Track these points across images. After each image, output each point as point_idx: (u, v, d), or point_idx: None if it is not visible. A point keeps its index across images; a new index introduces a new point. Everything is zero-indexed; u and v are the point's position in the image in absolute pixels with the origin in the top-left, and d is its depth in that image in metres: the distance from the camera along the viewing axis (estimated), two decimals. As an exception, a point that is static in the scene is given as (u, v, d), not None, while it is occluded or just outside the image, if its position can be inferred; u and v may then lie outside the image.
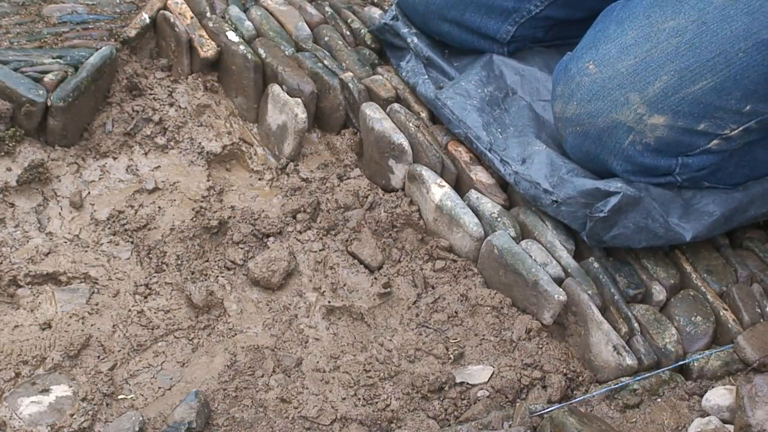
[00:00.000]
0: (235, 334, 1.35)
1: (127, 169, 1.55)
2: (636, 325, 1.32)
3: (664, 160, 1.33)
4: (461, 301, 1.40)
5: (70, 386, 1.25)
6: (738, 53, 1.24)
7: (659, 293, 1.37)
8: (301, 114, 1.55)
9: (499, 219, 1.43)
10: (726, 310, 1.35)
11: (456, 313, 1.39)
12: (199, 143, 1.59)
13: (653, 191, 1.34)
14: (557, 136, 1.43)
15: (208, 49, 1.63)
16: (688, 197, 1.37)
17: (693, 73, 1.27)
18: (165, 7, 1.69)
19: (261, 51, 1.63)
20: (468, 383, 1.31)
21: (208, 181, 1.56)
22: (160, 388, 1.27)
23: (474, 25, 1.58)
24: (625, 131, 1.31)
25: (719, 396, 1.24)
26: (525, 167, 1.41)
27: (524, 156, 1.43)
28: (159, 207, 1.50)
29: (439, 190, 1.45)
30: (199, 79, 1.66)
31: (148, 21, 1.67)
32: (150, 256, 1.43)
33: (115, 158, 1.56)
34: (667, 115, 1.29)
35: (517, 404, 1.25)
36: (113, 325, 1.33)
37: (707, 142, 1.32)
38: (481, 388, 1.29)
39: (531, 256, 1.36)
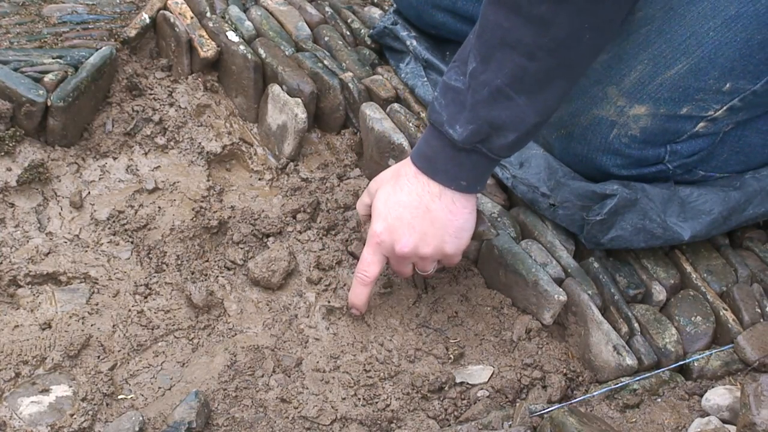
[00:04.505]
0: (235, 334, 1.35)
1: (127, 169, 1.55)
2: (636, 325, 1.32)
3: (653, 150, 1.33)
4: (461, 301, 1.40)
5: (70, 386, 1.25)
6: (708, 32, 1.24)
7: (659, 293, 1.37)
8: (301, 114, 1.55)
9: (499, 219, 1.43)
10: (726, 310, 1.35)
11: (456, 313, 1.39)
12: (199, 143, 1.59)
13: (650, 191, 1.34)
14: (546, 146, 1.43)
15: (208, 49, 1.63)
16: (685, 195, 1.37)
17: (666, 59, 1.27)
18: (165, 7, 1.69)
19: (261, 51, 1.63)
20: (468, 383, 1.31)
21: (208, 181, 1.56)
22: (160, 388, 1.27)
23: (467, 13, 1.58)
24: (608, 126, 1.31)
25: (719, 396, 1.24)
26: (522, 171, 1.41)
27: (521, 159, 1.43)
28: (159, 207, 1.50)
29: (439, 190, 1.45)
30: (199, 79, 1.66)
31: (148, 21, 1.67)
32: (150, 256, 1.43)
33: (115, 158, 1.56)
34: (648, 104, 1.29)
35: (517, 404, 1.25)
36: (113, 325, 1.33)
37: (693, 125, 1.31)
38: (481, 388, 1.29)
39: (531, 256, 1.36)
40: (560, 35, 1.08)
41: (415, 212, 1.24)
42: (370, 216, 1.32)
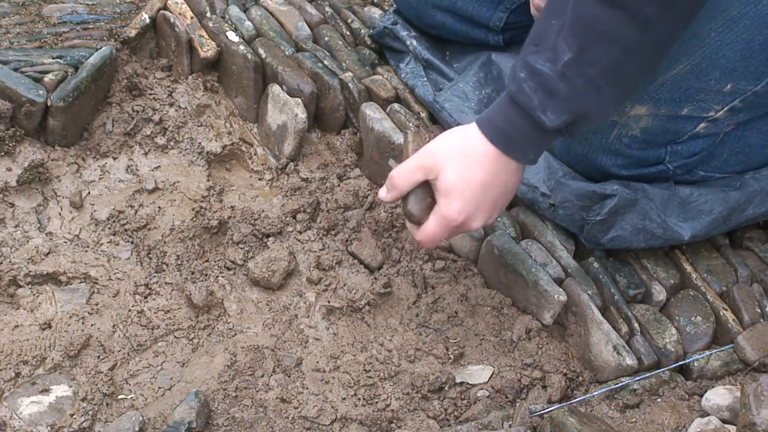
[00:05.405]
0: (235, 334, 1.35)
1: (127, 169, 1.55)
2: (636, 325, 1.32)
3: (653, 150, 1.33)
4: (461, 301, 1.40)
5: (70, 386, 1.25)
6: (709, 33, 1.24)
7: (659, 293, 1.37)
8: (301, 114, 1.55)
9: (499, 219, 1.43)
10: (726, 310, 1.35)
11: (456, 313, 1.39)
12: (199, 143, 1.59)
13: (650, 191, 1.34)
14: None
15: (208, 49, 1.63)
16: (685, 195, 1.37)
17: (668, 59, 1.26)
18: (165, 7, 1.69)
19: (261, 51, 1.63)
20: (468, 383, 1.31)
21: (208, 181, 1.56)
22: (160, 388, 1.27)
23: (467, 13, 1.58)
24: (609, 126, 1.31)
25: (719, 396, 1.24)
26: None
27: (522, 159, 1.43)
28: (159, 207, 1.50)
29: (439, 190, 1.45)
30: (199, 79, 1.66)
31: (148, 21, 1.67)
32: (150, 256, 1.43)
33: (115, 158, 1.56)
34: (649, 104, 1.29)
35: (517, 404, 1.25)
36: (113, 325, 1.33)
37: (694, 126, 1.31)
38: (481, 388, 1.29)
39: (531, 256, 1.36)
40: (660, 35, 1.10)
41: (495, 192, 1.22)
42: (415, 191, 1.26)
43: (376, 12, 1.81)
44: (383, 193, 1.27)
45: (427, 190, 1.23)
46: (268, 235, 1.48)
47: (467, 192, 1.20)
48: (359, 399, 1.28)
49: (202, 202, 1.52)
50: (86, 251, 1.43)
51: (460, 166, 1.20)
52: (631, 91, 1.18)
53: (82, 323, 1.33)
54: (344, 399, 1.28)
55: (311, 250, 1.47)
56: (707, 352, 1.31)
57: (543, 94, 1.14)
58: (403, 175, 1.23)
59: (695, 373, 1.30)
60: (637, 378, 1.27)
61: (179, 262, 1.43)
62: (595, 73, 1.11)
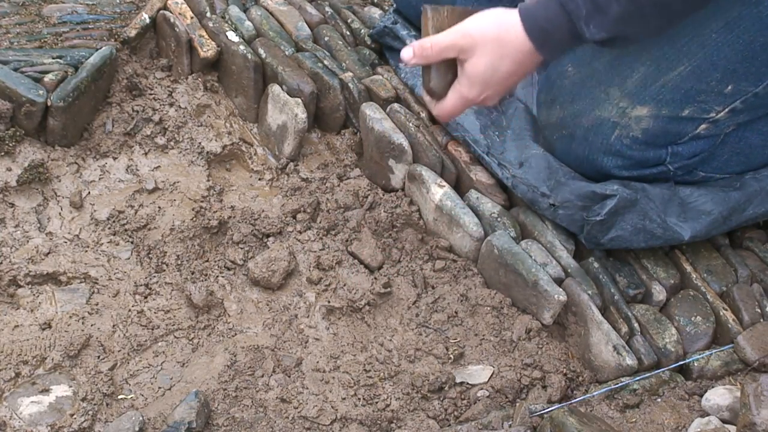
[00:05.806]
0: (235, 334, 1.35)
1: (127, 169, 1.55)
2: (636, 325, 1.32)
3: (654, 151, 1.33)
4: (461, 301, 1.40)
5: (70, 386, 1.25)
6: (711, 34, 1.24)
7: (659, 293, 1.37)
8: (301, 114, 1.55)
9: (499, 219, 1.43)
10: (726, 310, 1.35)
11: (456, 313, 1.39)
12: (199, 143, 1.59)
13: (650, 191, 1.34)
14: (547, 146, 1.43)
15: (208, 49, 1.63)
16: (685, 195, 1.37)
17: (669, 60, 1.27)
18: (165, 7, 1.69)
19: (261, 51, 1.63)
20: (468, 383, 1.31)
21: (208, 181, 1.56)
22: (160, 388, 1.27)
23: None
24: (610, 127, 1.31)
25: (719, 396, 1.24)
26: (522, 171, 1.41)
27: (521, 159, 1.43)
28: (159, 207, 1.50)
29: (439, 190, 1.45)
30: (199, 79, 1.66)
31: (148, 21, 1.67)
32: (150, 256, 1.43)
33: (115, 158, 1.56)
34: (650, 105, 1.29)
35: (517, 404, 1.25)
36: (113, 325, 1.33)
37: (695, 127, 1.31)
38: (481, 388, 1.29)
39: (531, 256, 1.36)
40: None
41: (515, 78, 1.27)
42: (438, 66, 1.30)
43: (376, 12, 1.81)
44: (408, 55, 1.29)
45: (449, 65, 1.26)
46: (268, 235, 1.48)
47: (492, 79, 1.25)
48: (359, 399, 1.28)
49: (202, 202, 1.52)
50: (86, 251, 1.43)
51: (493, 55, 1.24)
52: (669, 28, 1.22)
53: (82, 323, 1.33)
54: (344, 399, 1.28)
55: (311, 250, 1.47)
56: (707, 352, 1.31)
57: (592, 7, 1.15)
58: (435, 47, 1.27)
59: (695, 373, 1.30)
60: (637, 378, 1.27)
61: (179, 262, 1.43)
62: (647, 2, 1.13)
